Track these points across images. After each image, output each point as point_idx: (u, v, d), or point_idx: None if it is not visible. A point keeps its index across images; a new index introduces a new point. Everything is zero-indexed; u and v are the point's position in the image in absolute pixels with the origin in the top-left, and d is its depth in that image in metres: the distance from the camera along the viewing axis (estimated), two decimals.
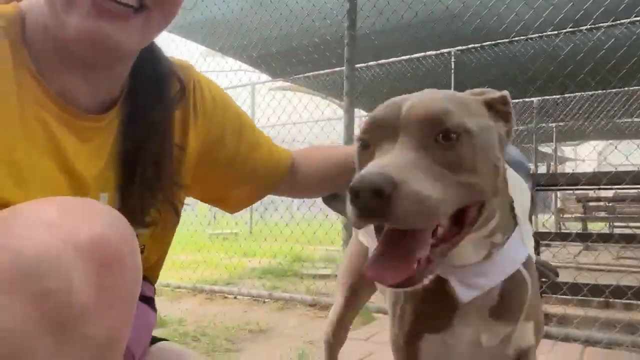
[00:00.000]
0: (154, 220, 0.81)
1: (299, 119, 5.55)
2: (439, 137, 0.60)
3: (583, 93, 7.14)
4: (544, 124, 9.98)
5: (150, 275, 0.93)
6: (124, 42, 0.68)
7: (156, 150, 0.80)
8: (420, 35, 4.43)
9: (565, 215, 8.61)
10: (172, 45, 5.15)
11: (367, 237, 1.04)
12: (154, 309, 0.95)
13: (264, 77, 6.47)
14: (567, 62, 3.75)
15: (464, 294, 0.73)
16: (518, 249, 0.76)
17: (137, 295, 0.57)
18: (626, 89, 6.40)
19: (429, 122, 0.61)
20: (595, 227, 8.19)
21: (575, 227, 8.00)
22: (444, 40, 4.54)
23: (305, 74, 4.84)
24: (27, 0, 0.72)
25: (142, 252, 0.84)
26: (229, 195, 1.03)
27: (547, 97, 7.66)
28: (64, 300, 0.46)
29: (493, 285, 0.75)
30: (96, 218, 0.52)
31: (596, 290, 2.70)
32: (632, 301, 3.12)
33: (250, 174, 1.00)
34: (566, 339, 2.34)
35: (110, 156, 0.77)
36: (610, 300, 3.18)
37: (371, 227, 0.73)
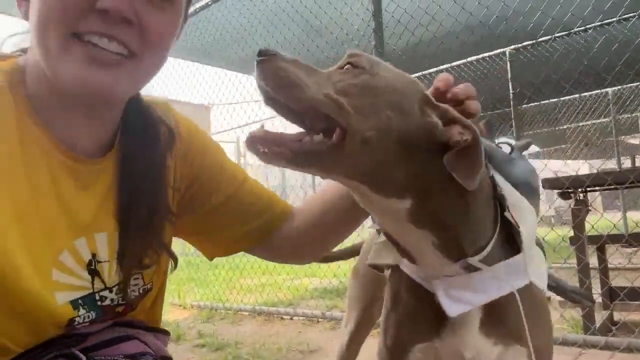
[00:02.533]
0: (152, 261, 0.87)
1: None
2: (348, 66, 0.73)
3: None
4: (625, 115, 9.22)
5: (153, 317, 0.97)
6: (115, 88, 0.73)
7: (150, 194, 0.85)
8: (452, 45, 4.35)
9: None
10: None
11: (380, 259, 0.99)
12: None
13: None
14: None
15: (450, 308, 0.73)
16: (512, 275, 0.75)
17: None
18: None
19: (351, 56, 0.74)
20: None
21: None
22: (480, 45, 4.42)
23: None
24: (23, 56, 0.80)
25: (149, 290, 0.89)
26: (208, 239, 1.02)
27: (623, 86, 7.10)
28: None
29: (480, 304, 0.75)
30: None
31: None
32: None
33: (235, 218, 0.98)
34: None
35: (106, 197, 0.84)
36: None
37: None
